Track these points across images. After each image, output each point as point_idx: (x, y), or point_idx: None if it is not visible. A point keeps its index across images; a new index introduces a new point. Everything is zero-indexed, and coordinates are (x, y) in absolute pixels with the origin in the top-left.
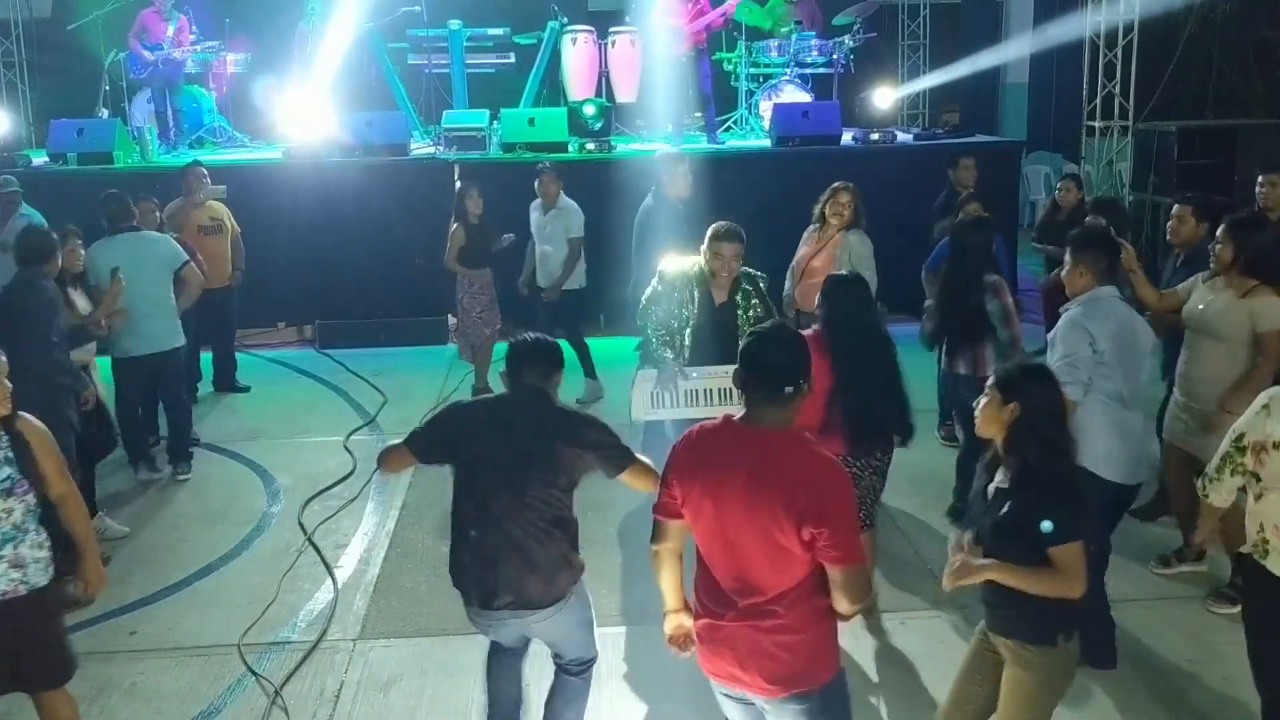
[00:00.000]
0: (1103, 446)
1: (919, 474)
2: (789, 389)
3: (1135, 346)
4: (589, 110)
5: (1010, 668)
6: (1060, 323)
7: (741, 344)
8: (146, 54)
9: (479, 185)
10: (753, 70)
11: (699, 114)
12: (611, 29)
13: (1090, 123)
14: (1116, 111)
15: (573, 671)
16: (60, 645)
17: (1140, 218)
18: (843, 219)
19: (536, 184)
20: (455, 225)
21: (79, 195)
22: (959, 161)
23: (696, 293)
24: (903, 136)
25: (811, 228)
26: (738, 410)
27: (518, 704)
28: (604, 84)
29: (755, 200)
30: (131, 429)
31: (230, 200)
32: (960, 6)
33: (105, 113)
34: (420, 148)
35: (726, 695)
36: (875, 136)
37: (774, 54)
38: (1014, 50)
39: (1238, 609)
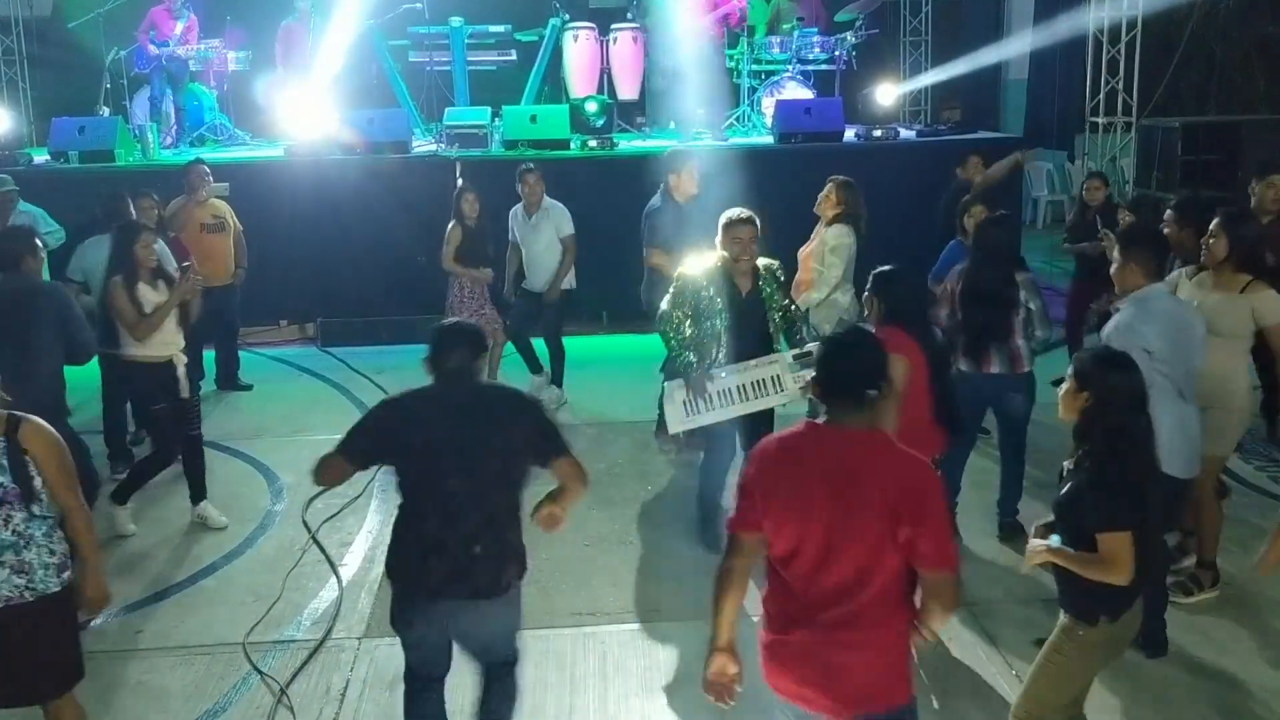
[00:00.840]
0: (1164, 441)
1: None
2: (872, 393)
3: (1189, 341)
4: (591, 107)
5: (1054, 633)
6: (1110, 324)
7: (819, 350)
8: (152, 48)
9: (476, 188)
10: (755, 67)
11: (702, 110)
12: (613, 26)
13: (1093, 119)
14: (1120, 108)
15: (501, 673)
16: (67, 653)
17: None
18: (826, 214)
19: (519, 186)
20: (452, 225)
21: (80, 193)
22: (968, 160)
23: (724, 287)
24: (905, 133)
25: (820, 223)
26: (778, 402)
27: None
28: (605, 81)
29: (758, 197)
30: (116, 428)
31: (232, 198)
32: (961, 3)
33: (106, 111)
34: (422, 145)
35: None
36: (878, 133)
37: (776, 50)
38: (1014, 47)
39: (1196, 599)
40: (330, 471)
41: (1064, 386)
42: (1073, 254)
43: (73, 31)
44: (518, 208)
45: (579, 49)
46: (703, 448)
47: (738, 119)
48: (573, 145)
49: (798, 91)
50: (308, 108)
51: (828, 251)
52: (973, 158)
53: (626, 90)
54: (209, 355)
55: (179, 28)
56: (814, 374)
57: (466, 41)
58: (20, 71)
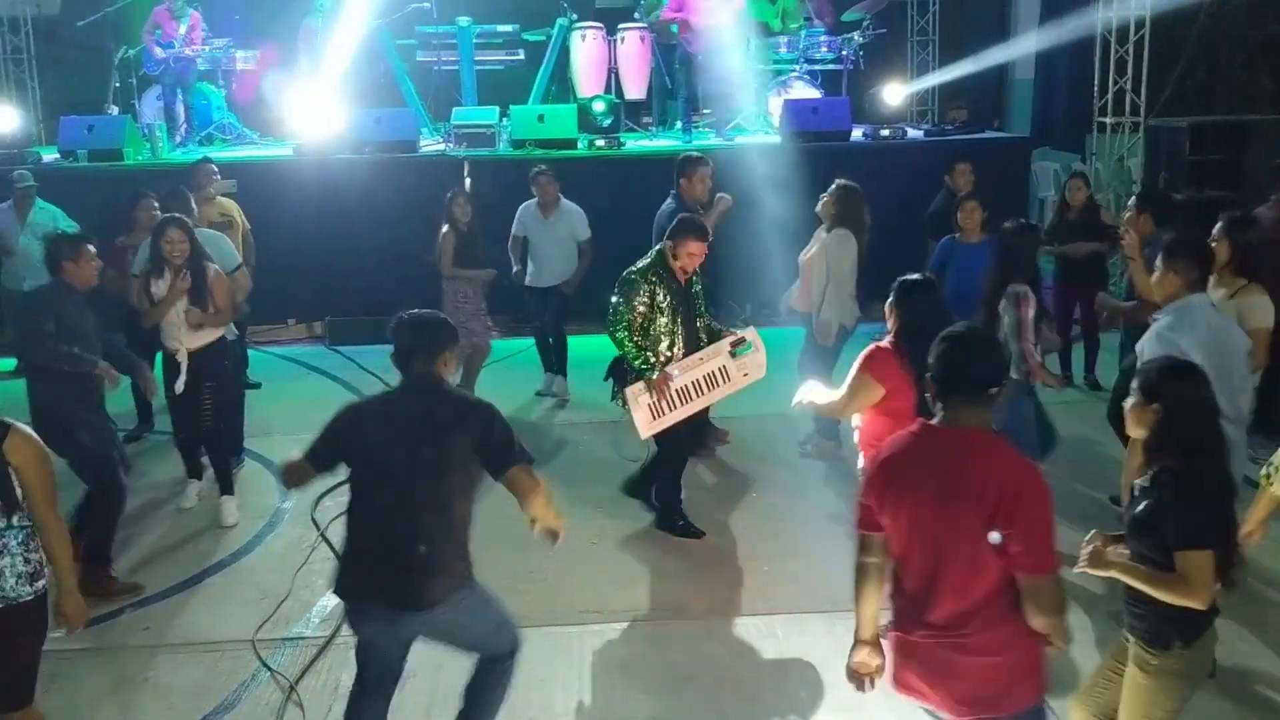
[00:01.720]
0: None
1: None
2: (992, 390)
3: (1231, 355)
4: (599, 107)
5: (1130, 666)
6: (1147, 334)
7: (933, 349)
8: (159, 50)
9: (466, 191)
10: (762, 67)
11: (708, 110)
12: (620, 25)
13: (1101, 119)
14: (1128, 107)
15: (487, 663)
16: (28, 667)
17: None
18: (827, 218)
19: (534, 186)
20: (446, 230)
21: (89, 192)
22: (955, 166)
23: (670, 283)
24: (913, 133)
25: (821, 226)
26: (728, 392)
27: None
28: (613, 81)
29: (765, 197)
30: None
31: (240, 197)
32: (968, 3)
33: (115, 110)
34: (430, 145)
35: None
36: (885, 133)
37: (783, 50)
38: (1021, 46)
39: None
40: (293, 473)
41: (1130, 401)
42: (1055, 255)
43: (81, 30)
44: (531, 204)
45: (587, 48)
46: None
47: (744, 119)
48: (580, 145)
49: (805, 91)
50: (317, 107)
51: (828, 258)
52: (960, 165)
53: (634, 90)
54: None
55: (182, 28)
56: (931, 372)
57: (474, 41)
58: (29, 70)
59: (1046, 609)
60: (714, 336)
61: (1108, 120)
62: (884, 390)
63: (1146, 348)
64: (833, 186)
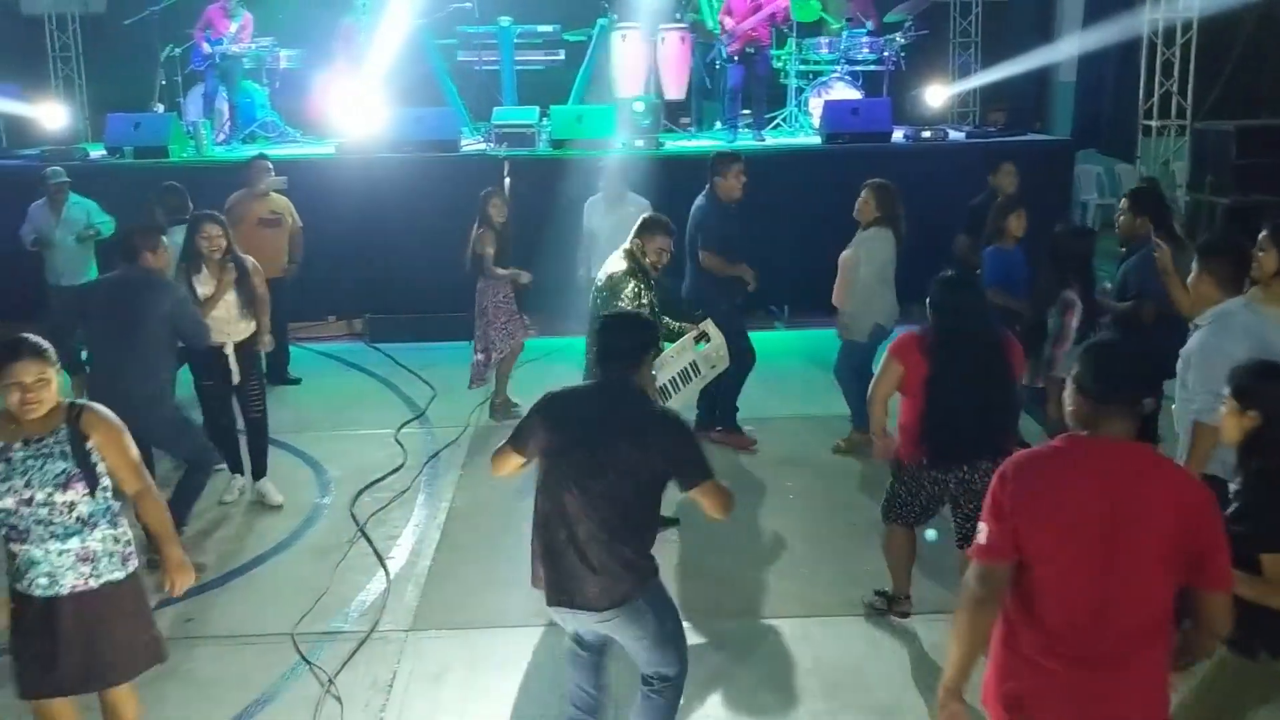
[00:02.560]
0: None
1: None
2: (1147, 400)
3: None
4: (638, 107)
5: (1209, 666)
6: (1192, 343)
7: (1082, 358)
8: (206, 47)
9: (502, 192)
10: (802, 67)
11: (747, 111)
12: (661, 26)
13: (1146, 122)
14: (1174, 110)
15: (651, 686)
16: (124, 645)
17: (1197, 218)
18: (862, 216)
19: (600, 180)
20: (481, 230)
21: (135, 188)
22: (1000, 166)
23: (646, 284)
24: (954, 134)
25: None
26: (698, 386)
27: (589, 707)
28: (653, 81)
29: (804, 198)
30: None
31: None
32: (1008, 3)
33: (160, 107)
34: (470, 144)
35: None
36: (926, 134)
37: (824, 51)
38: (1065, 48)
39: None
40: (500, 463)
41: (1223, 407)
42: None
43: (128, 28)
44: (597, 198)
45: (627, 48)
46: None
47: (784, 119)
48: (619, 145)
49: (845, 92)
50: (358, 105)
51: (865, 256)
52: (1005, 166)
53: (673, 91)
54: None
55: (234, 26)
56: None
57: (515, 41)
58: (76, 68)
59: (1223, 627)
60: (674, 334)
61: (1153, 123)
62: (903, 369)
63: (1195, 362)
64: (866, 186)
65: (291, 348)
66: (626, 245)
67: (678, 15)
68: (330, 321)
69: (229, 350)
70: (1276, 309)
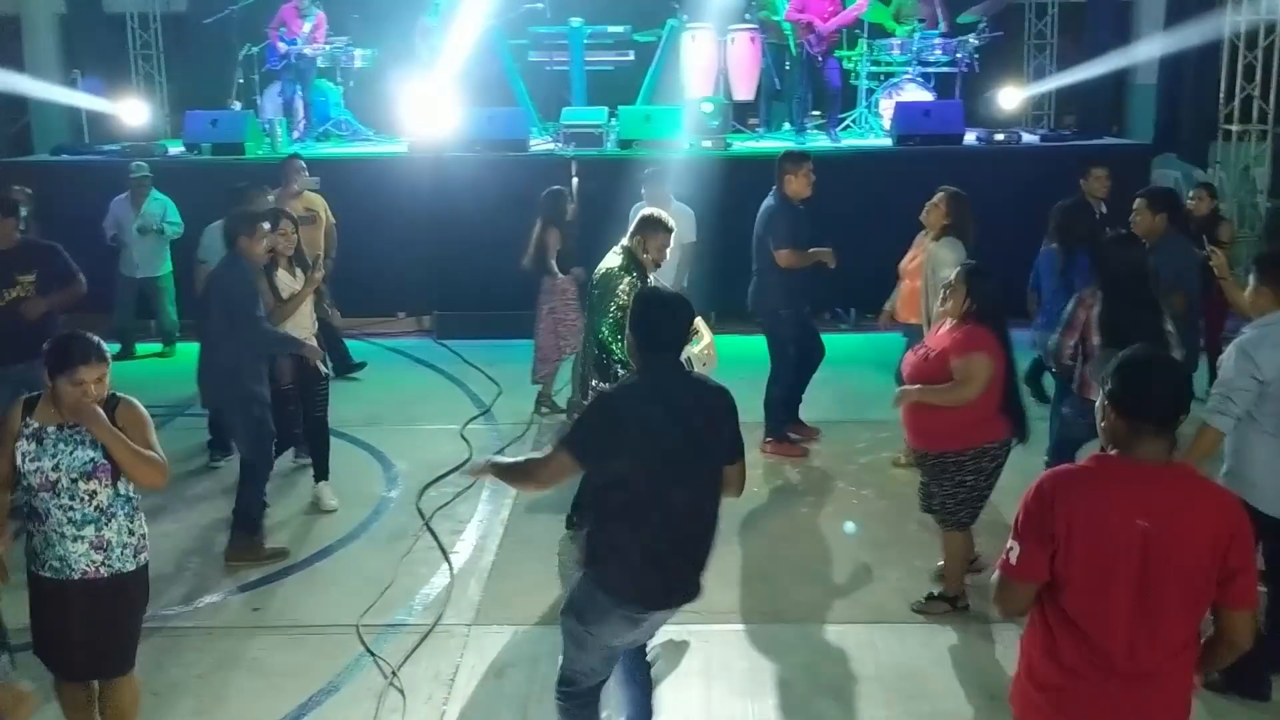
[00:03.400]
0: (1260, 478)
1: None
2: (1182, 416)
3: None
4: (706, 108)
5: None
6: (1230, 347)
7: (1117, 374)
8: (282, 46)
9: (569, 192)
10: (873, 69)
11: (817, 111)
12: (731, 26)
13: (1226, 126)
14: (1255, 115)
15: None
16: (132, 635)
17: (1277, 224)
18: (932, 226)
19: (644, 189)
20: (547, 228)
21: (212, 184)
22: (1091, 171)
23: (643, 277)
24: (1028, 137)
25: (921, 233)
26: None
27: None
28: (722, 81)
29: (873, 200)
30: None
31: (353, 191)
32: (1085, 5)
33: (238, 105)
34: (539, 144)
35: None
36: (999, 137)
37: (896, 52)
38: (1144, 51)
39: None
40: (551, 472)
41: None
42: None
43: (207, 28)
44: (640, 206)
45: (696, 49)
46: None
47: (854, 121)
48: (687, 145)
49: (917, 94)
50: (430, 105)
51: (935, 264)
52: (1095, 169)
53: (742, 91)
54: None
55: (307, 26)
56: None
57: (585, 42)
58: (157, 65)
59: (1245, 642)
60: None
61: (1233, 128)
62: (993, 363)
63: (1222, 363)
64: (940, 193)
65: (361, 343)
66: (625, 242)
67: (747, 15)
68: (400, 318)
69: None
70: None
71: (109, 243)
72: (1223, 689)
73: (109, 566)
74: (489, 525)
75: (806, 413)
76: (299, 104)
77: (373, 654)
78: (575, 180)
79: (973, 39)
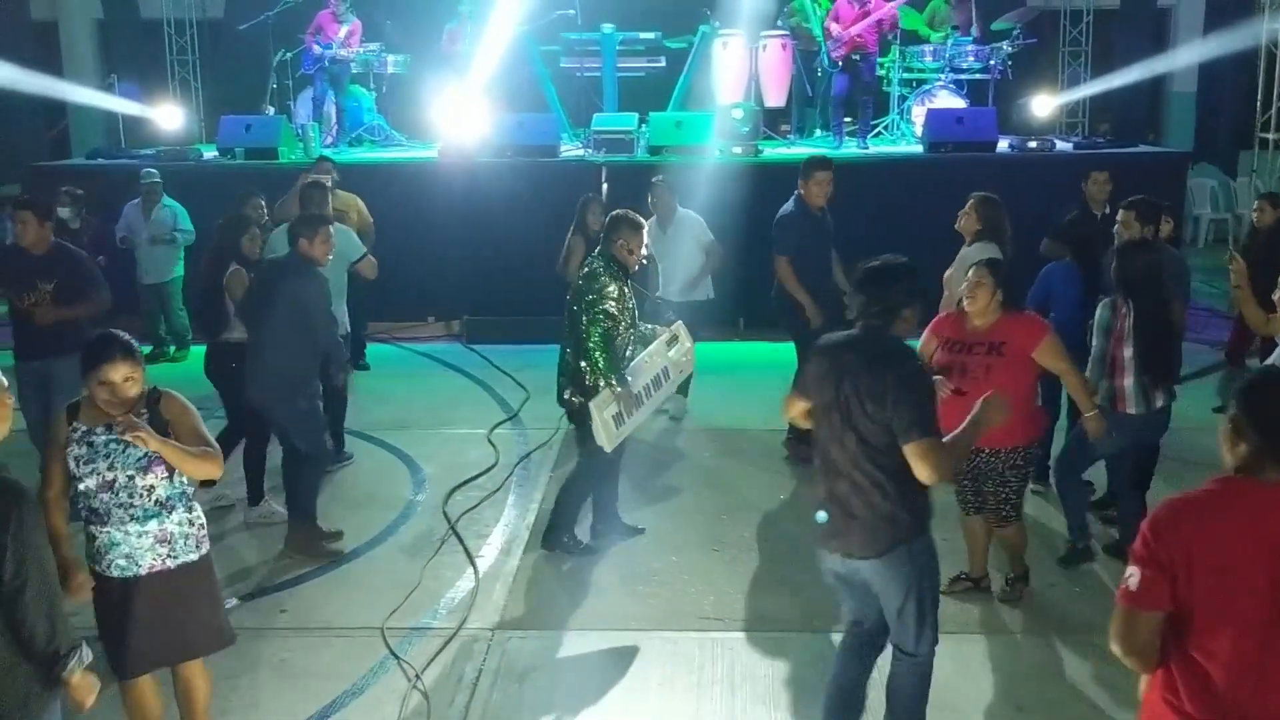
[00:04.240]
0: None
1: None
2: None
3: None
4: (736, 114)
5: None
6: (1275, 354)
7: (1245, 395)
8: (316, 49)
9: (599, 199)
10: (906, 75)
11: (849, 118)
12: (763, 33)
13: (1263, 134)
14: None
15: (896, 656)
16: (208, 617)
17: None
18: (967, 233)
19: (650, 199)
20: (574, 236)
21: (246, 187)
22: (1091, 175)
23: (626, 285)
24: (1062, 145)
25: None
26: (670, 391)
27: (851, 685)
28: (753, 88)
29: (905, 208)
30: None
31: (385, 197)
32: (1120, 13)
33: (271, 110)
34: (569, 150)
35: None
36: (1033, 144)
37: (928, 59)
38: (1181, 58)
39: None
40: (789, 405)
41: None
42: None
43: (242, 34)
44: (650, 221)
45: (728, 56)
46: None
47: (885, 127)
48: (717, 152)
49: (950, 101)
50: (462, 111)
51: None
52: (1095, 173)
53: (773, 98)
54: None
55: (343, 31)
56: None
57: (617, 48)
58: (193, 71)
59: None
60: (648, 338)
61: (1270, 136)
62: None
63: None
64: (971, 199)
65: (389, 347)
66: (605, 249)
67: (779, 22)
68: (429, 322)
69: None
70: None
71: (119, 245)
72: None
73: (174, 558)
74: (514, 530)
75: None
76: (331, 108)
77: (397, 657)
78: (605, 186)
79: (1006, 46)
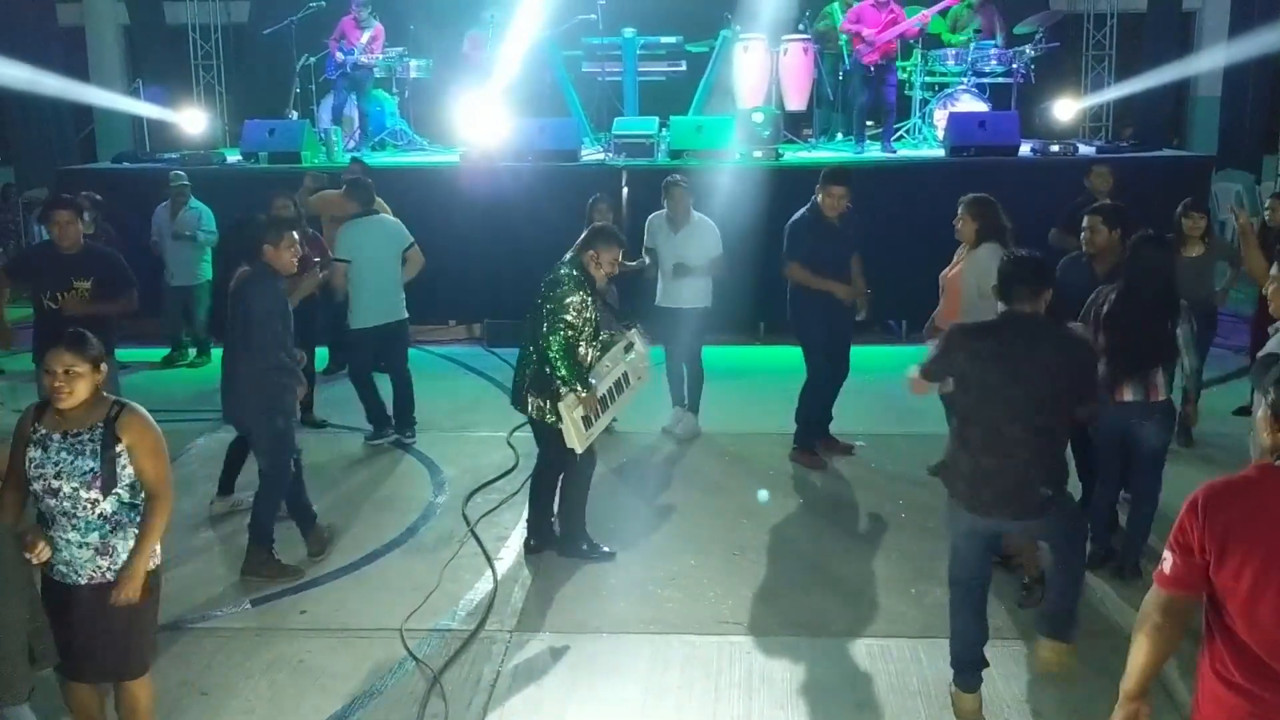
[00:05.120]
0: None
1: None
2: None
3: None
4: (757, 118)
5: None
6: (1270, 344)
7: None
8: (339, 54)
9: (607, 199)
10: (928, 79)
11: (871, 122)
12: (784, 37)
13: None
14: None
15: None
16: (141, 636)
17: None
18: (965, 238)
19: (665, 197)
20: None
21: (269, 191)
22: (1093, 168)
23: (594, 294)
24: (1085, 149)
25: (961, 246)
26: (632, 394)
27: (977, 572)
28: (774, 91)
29: (927, 212)
30: (372, 396)
31: (408, 200)
32: (1146, 17)
33: (295, 114)
34: (590, 154)
35: None
36: (1055, 148)
37: (951, 63)
38: (1206, 62)
39: None
40: (914, 385)
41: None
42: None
43: (266, 39)
44: (660, 216)
45: (749, 60)
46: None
47: (908, 131)
48: (738, 155)
49: (972, 104)
50: (484, 115)
51: (980, 273)
52: (1097, 166)
53: (795, 102)
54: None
55: (365, 37)
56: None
57: (638, 52)
58: (217, 75)
59: None
60: (608, 345)
61: None
62: None
63: (1258, 365)
64: (961, 204)
65: (413, 350)
66: (575, 254)
67: (801, 26)
68: (451, 325)
69: None
70: None
71: (152, 249)
72: None
73: (115, 571)
74: None
75: (847, 425)
76: (352, 113)
77: (416, 658)
78: (625, 190)
79: (1029, 50)
